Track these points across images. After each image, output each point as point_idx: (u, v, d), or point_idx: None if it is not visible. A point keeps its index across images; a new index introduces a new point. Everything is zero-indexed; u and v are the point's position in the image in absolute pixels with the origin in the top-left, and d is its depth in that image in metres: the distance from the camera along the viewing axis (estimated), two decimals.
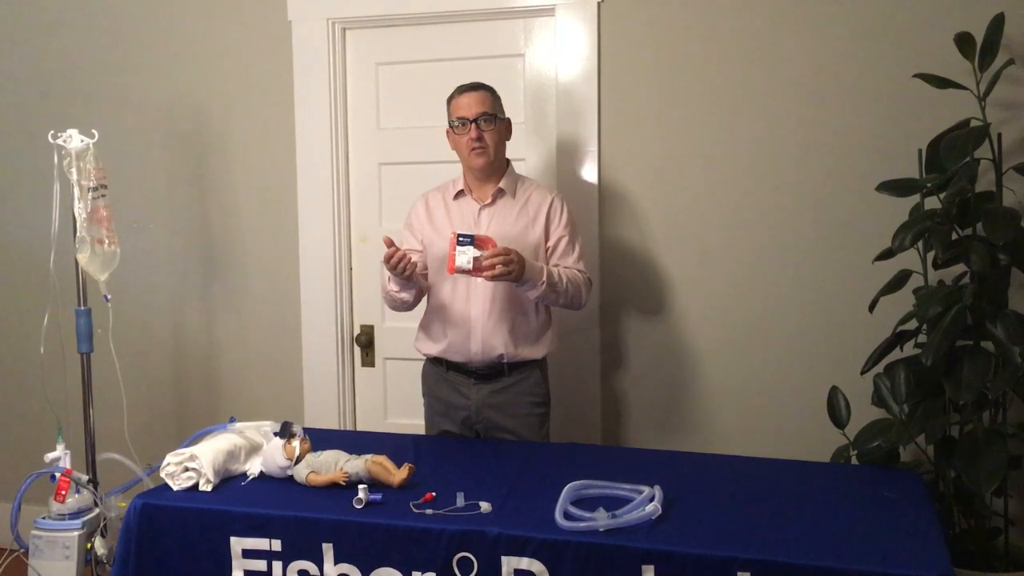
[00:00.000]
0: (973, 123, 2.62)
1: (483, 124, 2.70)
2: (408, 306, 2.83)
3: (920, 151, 2.74)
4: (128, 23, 3.59)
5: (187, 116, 3.57)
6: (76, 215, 2.86)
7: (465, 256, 2.50)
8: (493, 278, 2.53)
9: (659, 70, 3.13)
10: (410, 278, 2.67)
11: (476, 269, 2.51)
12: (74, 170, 2.86)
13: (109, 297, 2.92)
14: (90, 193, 2.87)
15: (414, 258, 2.69)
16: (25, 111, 3.71)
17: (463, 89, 2.75)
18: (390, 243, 2.62)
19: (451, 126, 2.76)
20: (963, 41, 2.64)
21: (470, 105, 2.71)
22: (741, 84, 3.07)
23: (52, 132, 2.85)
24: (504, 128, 2.79)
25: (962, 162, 2.54)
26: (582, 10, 3.16)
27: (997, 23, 2.62)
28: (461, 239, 2.51)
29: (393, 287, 2.75)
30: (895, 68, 2.91)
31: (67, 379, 3.04)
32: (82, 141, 2.87)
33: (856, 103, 2.98)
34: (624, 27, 3.15)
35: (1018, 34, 2.79)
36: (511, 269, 2.52)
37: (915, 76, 2.73)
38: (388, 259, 2.61)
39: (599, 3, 3.14)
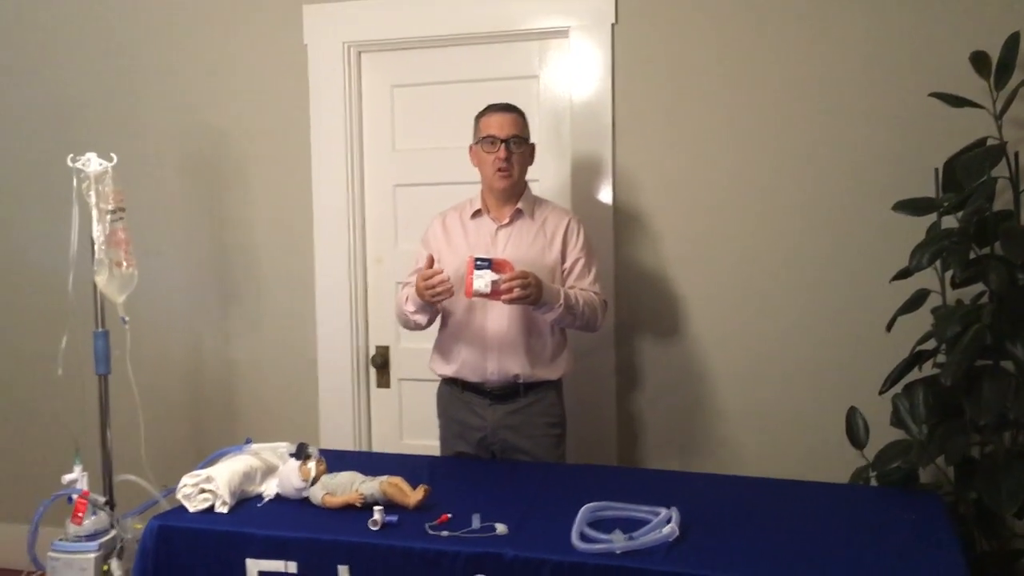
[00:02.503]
0: (989, 142, 2.61)
1: (513, 147, 2.71)
2: (420, 328, 2.82)
3: (936, 170, 2.73)
4: (145, 48, 3.63)
5: (204, 139, 3.60)
6: (94, 238, 2.89)
7: (483, 280, 2.50)
8: (511, 301, 2.53)
9: (673, 91, 3.14)
10: (433, 303, 2.66)
11: (494, 293, 2.51)
12: (92, 193, 2.88)
13: (127, 319, 2.94)
14: (108, 216, 2.89)
15: (448, 286, 2.61)
16: (44, 135, 3.75)
17: (496, 108, 2.76)
18: (432, 263, 2.61)
19: (478, 142, 2.76)
20: (978, 60, 2.63)
21: (502, 126, 2.71)
22: (755, 103, 3.07)
23: (71, 156, 2.88)
24: (530, 152, 2.81)
25: (979, 181, 2.53)
26: (596, 32, 3.17)
27: (1012, 42, 2.61)
28: (479, 263, 2.51)
29: (410, 307, 2.74)
30: (911, 87, 2.91)
31: (85, 401, 3.05)
32: (100, 165, 2.89)
33: (872, 122, 2.98)
34: (638, 48, 3.16)
35: None
36: (529, 292, 2.52)
37: (931, 95, 2.72)
38: (427, 277, 2.58)
39: (613, 25, 3.16)
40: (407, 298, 2.74)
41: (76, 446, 2.82)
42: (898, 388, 2.70)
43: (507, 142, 2.70)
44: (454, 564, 2.04)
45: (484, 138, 2.72)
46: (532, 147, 2.82)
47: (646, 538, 2.01)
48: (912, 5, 2.93)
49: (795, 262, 3.08)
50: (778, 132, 3.06)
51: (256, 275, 3.60)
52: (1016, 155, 2.64)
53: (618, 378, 3.26)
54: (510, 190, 2.76)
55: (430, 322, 2.81)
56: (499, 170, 2.71)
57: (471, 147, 2.81)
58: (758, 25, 3.05)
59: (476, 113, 2.81)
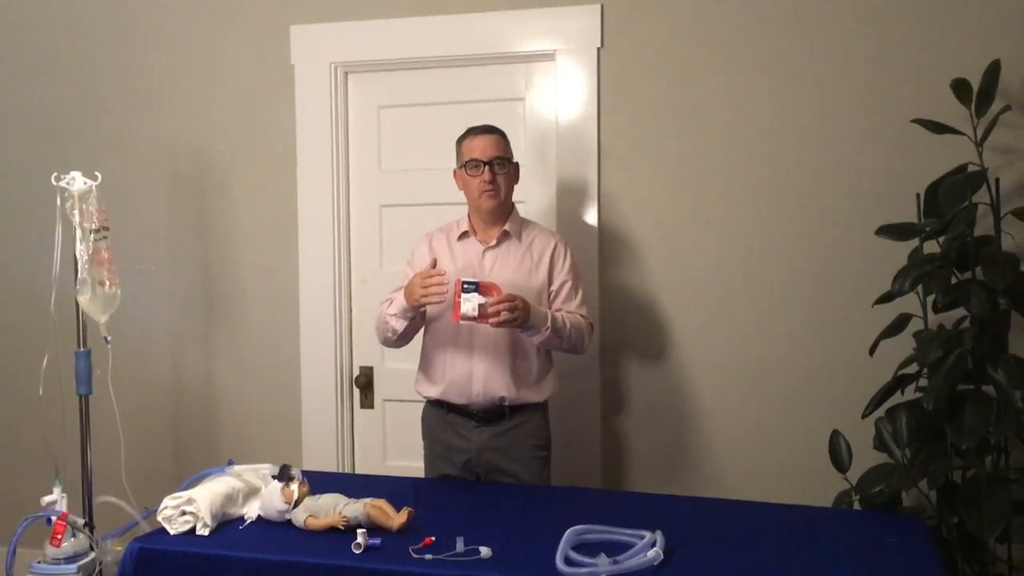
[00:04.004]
0: (971, 168, 2.64)
1: (497, 168, 2.72)
2: (396, 336, 2.75)
3: (918, 195, 2.75)
4: (131, 66, 3.63)
5: (190, 158, 3.59)
6: (77, 257, 2.88)
7: (470, 303, 2.50)
8: (499, 325, 2.52)
9: (658, 114, 3.16)
10: (419, 304, 2.63)
11: (482, 316, 2.51)
12: (76, 212, 2.87)
13: (109, 339, 2.92)
14: (92, 235, 2.88)
15: (442, 291, 2.59)
16: (28, 153, 3.74)
17: (477, 131, 2.77)
18: (435, 265, 2.60)
19: (462, 167, 2.76)
20: (960, 87, 2.67)
21: (484, 148, 2.72)
22: (740, 128, 3.10)
23: (55, 174, 2.87)
24: (514, 172, 2.81)
25: (960, 206, 2.56)
26: (582, 55, 3.19)
27: (993, 69, 2.65)
28: (466, 286, 2.50)
29: (392, 310, 2.71)
30: (893, 113, 2.95)
31: (65, 421, 3.03)
32: (85, 183, 2.89)
33: (855, 148, 3.01)
34: (624, 72, 3.18)
35: (1014, 80, 2.82)
36: (516, 316, 2.51)
37: (913, 121, 2.75)
38: (427, 276, 2.56)
39: (599, 48, 3.18)
40: (391, 301, 2.72)
41: (56, 467, 2.79)
42: (881, 412, 2.71)
43: (491, 164, 2.71)
44: None
45: (468, 162, 2.73)
46: (516, 166, 2.83)
47: (630, 562, 2.01)
48: (894, 32, 2.96)
49: (779, 286, 3.10)
50: (762, 157, 3.09)
51: (240, 295, 3.59)
52: (997, 181, 2.67)
53: (603, 400, 3.26)
54: (498, 210, 2.77)
55: (405, 335, 2.76)
56: (485, 191, 2.71)
57: (455, 171, 2.82)
58: (742, 51, 3.08)
59: (457, 137, 2.81)
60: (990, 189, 2.64)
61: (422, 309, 2.73)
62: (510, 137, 2.83)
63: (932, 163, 2.78)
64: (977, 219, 2.62)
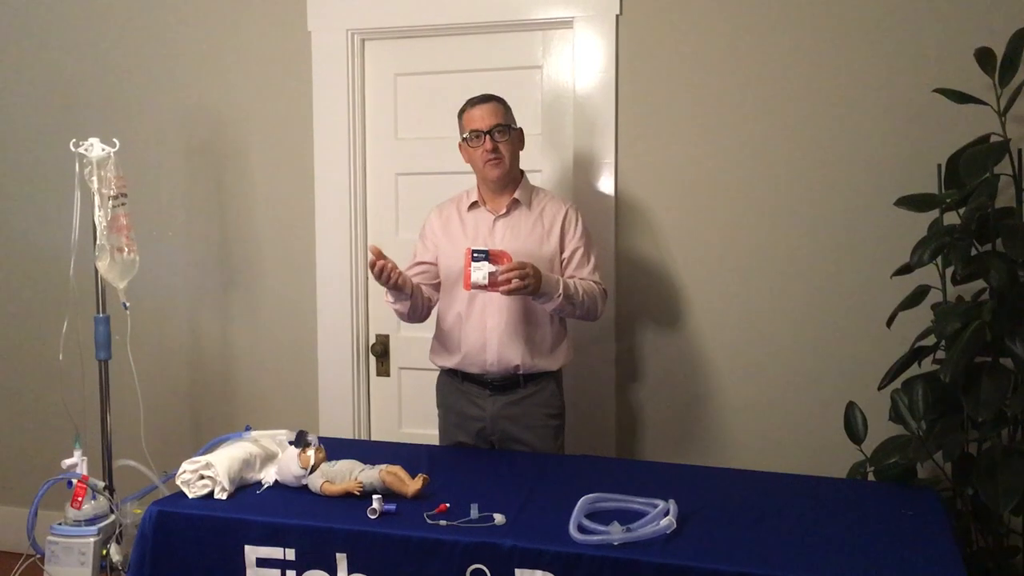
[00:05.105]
0: (993, 139, 2.60)
1: (498, 136, 2.71)
2: (404, 318, 2.81)
3: (939, 166, 2.72)
4: (149, 33, 3.62)
5: (207, 125, 3.59)
6: (96, 223, 2.90)
7: (480, 272, 2.50)
8: (509, 292, 2.52)
9: (677, 83, 3.13)
10: (398, 287, 2.65)
11: (492, 284, 2.51)
12: (95, 179, 2.89)
13: (128, 305, 2.94)
14: (110, 202, 2.90)
15: (410, 272, 2.70)
16: (46, 120, 3.75)
17: (474, 102, 2.76)
18: (377, 253, 2.60)
19: (465, 139, 2.76)
20: (983, 56, 2.62)
21: (483, 117, 2.71)
22: (759, 97, 3.07)
23: (73, 141, 2.88)
24: (517, 138, 2.80)
25: (981, 178, 2.52)
26: (600, 23, 3.17)
27: (1018, 38, 2.60)
28: (476, 255, 2.51)
29: (388, 298, 2.75)
30: (915, 83, 2.91)
31: (85, 386, 3.06)
32: (103, 150, 2.90)
33: (876, 118, 2.98)
34: (642, 40, 3.15)
35: None
36: (527, 283, 2.51)
37: (935, 91, 2.71)
38: (371, 267, 2.60)
39: (617, 16, 3.15)
40: (387, 291, 2.74)
41: (76, 431, 2.83)
42: (897, 383, 2.70)
43: (491, 133, 2.70)
44: (452, 553, 2.05)
45: (468, 133, 2.73)
46: (519, 132, 2.81)
47: (644, 530, 2.02)
48: (917, 0, 2.92)
49: (796, 256, 3.08)
50: (781, 126, 3.06)
51: (257, 262, 3.60)
52: (1019, 152, 2.63)
53: (618, 370, 3.26)
54: (505, 178, 2.75)
55: (413, 313, 2.79)
56: (489, 161, 2.71)
57: (460, 144, 2.81)
58: (762, 19, 3.04)
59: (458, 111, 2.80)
60: (1012, 160, 2.61)
61: (433, 284, 2.80)
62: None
63: (954, 133, 2.75)
64: (999, 190, 2.59)
